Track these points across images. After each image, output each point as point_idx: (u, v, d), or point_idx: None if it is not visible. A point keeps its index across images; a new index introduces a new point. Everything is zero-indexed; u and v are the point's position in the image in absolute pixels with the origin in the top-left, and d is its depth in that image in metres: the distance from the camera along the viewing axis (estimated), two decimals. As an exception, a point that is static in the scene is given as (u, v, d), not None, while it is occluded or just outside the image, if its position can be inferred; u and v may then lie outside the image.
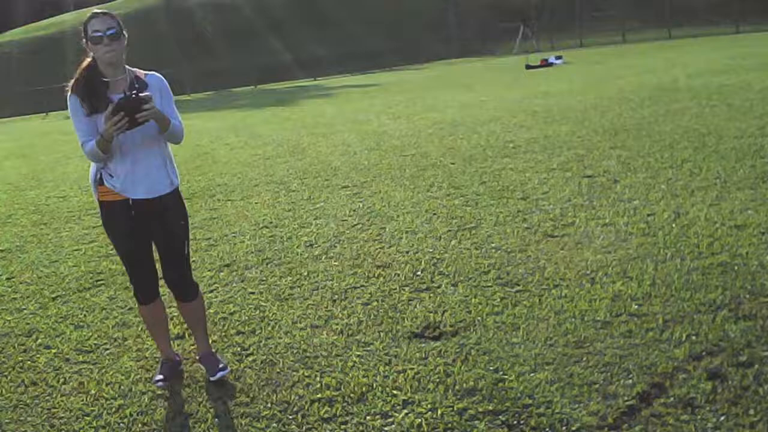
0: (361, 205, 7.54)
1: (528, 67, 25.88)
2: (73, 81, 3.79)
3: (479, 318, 4.30)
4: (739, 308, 4.00)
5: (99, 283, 5.92)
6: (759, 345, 3.58)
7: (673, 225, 5.61)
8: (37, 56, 55.10)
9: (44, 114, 39.81)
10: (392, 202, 7.52)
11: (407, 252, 5.75)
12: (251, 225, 7.26)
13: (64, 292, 5.78)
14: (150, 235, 3.89)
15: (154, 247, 3.95)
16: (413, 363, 3.81)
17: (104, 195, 3.85)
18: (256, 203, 8.31)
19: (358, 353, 4.02)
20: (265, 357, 4.11)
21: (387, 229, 6.48)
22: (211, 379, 3.89)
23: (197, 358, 4.11)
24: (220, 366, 3.94)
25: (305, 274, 5.51)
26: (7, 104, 44.64)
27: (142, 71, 3.93)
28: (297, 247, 6.25)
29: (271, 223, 7.24)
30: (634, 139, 9.30)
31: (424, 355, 3.89)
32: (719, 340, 3.68)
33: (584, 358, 3.64)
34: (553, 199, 6.80)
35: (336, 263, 5.68)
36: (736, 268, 4.59)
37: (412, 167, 9.28)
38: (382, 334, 4.25)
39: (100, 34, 3.68)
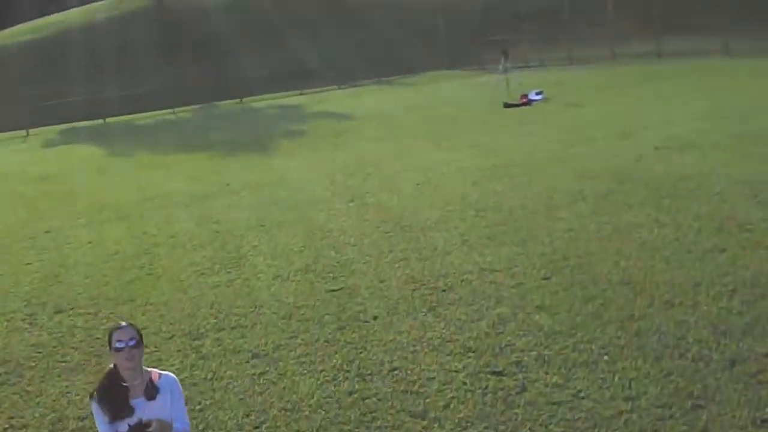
0: None
1: (506, 105, 25.39)
2: (95, 389, 4.39)
3: None
4: None
5: None
6: None
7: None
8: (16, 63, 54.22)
9: (24, 133, 39.05)
10: None
11: None
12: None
13: None
14: None
15: None
16: None
17: None
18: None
19: None
20: None
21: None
22: None
23: None
24: None
25: None
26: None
27: (157, 372, 4.54)
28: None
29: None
30: (565, 290, 8.85)
31: None
32: None
33: None
34: (449, 425, 6.37)
35: None
36: None
37: (330, 325, 8.72)
38: None
39: (122, 344, 4.29)
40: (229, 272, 11.16)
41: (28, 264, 13.09)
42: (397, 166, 17.46)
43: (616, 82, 29.34)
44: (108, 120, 40.51)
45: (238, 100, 44.39)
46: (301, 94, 43.92)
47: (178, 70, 50.53)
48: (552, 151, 16.97)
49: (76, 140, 33.58)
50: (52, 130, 38.93)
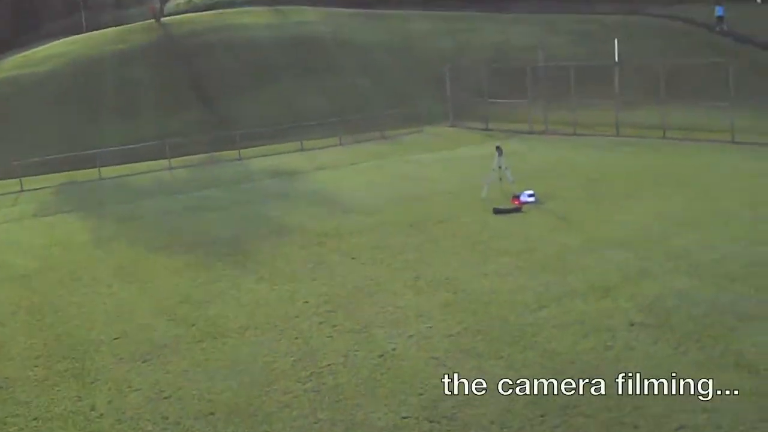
0: None
1: (496, 211, 24.89)
2: None
3: None
4: None
5: None
6: None
7: None
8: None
9: (18, 185, 38.64)
10: None
11: None
12: None
13: None
14: None
15: None
16: None
17: None
18: None
19: None
20: None
21: None
22: None
23: None
24: None
25: None
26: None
27: None
28: None
29: None
30: None
31: None
32: None
33: None
34: None
35: None
36: None
37: None
38: None
39: None
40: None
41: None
42: (366, 316, 16.97)
43: (611, 183, 28.85)
44: (103, 172, 40.19)
45: (237, 152, 44.02)
46: (301, 150, 43.52)
47: (184, 113, 50.34)
48: (525, 311, 16.39)
49: (67, 206, 33.29)
50: (47, 186, 38.60)
